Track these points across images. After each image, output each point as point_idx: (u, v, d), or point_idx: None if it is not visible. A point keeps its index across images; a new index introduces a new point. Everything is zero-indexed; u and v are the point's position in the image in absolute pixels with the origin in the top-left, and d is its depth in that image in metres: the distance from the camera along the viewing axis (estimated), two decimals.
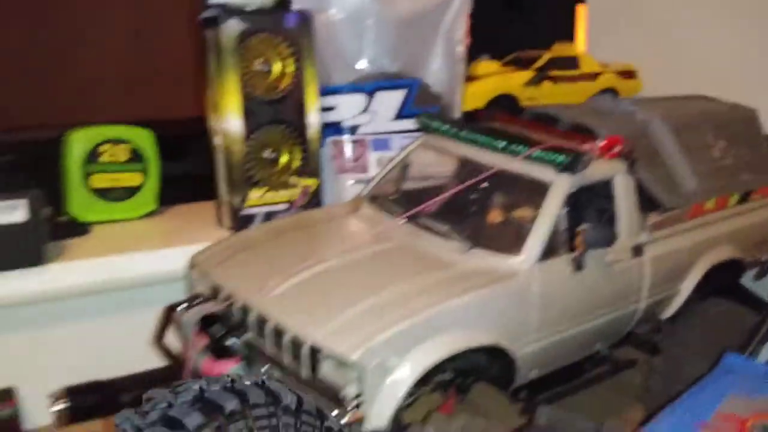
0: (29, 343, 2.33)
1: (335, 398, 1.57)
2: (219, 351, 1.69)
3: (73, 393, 2.33)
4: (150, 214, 2.64)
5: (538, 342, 1.82)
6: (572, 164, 1.86)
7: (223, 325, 1.69)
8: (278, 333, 1.66)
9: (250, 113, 2.38)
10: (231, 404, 0.62)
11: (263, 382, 0.65)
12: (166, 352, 1.87)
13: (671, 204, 2.11)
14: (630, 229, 2.01)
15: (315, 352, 1.59)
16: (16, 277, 2.16)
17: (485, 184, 2.01)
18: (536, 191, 1.89)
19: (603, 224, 1.93)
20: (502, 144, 1.97)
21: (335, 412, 1.53)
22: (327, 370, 1.59)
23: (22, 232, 2.12)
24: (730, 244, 2.29)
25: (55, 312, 2.36)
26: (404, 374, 1.58)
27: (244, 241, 1.98)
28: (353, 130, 2.66)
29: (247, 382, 0.67)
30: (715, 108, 2.49)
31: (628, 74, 3.83)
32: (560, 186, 1.87)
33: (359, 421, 1.55)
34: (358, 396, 1.55)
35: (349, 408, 1.54)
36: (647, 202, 2.08)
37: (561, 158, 1.87)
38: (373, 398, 1.56)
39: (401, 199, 2.10)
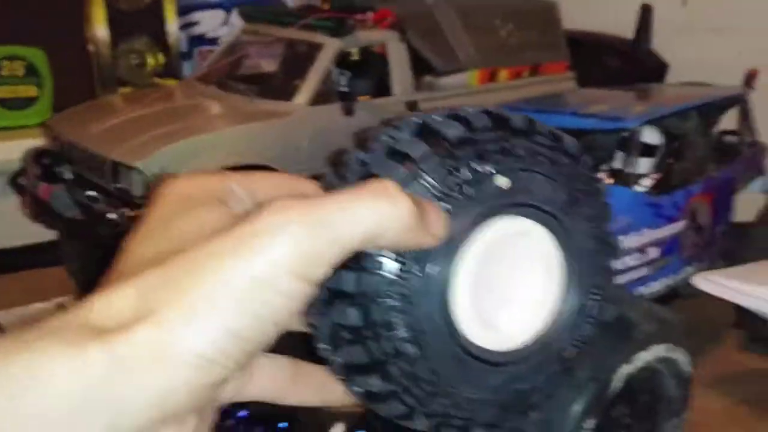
0: None
1: (131, 203, 2.03)
2: (50, 177, 2.15)
3: None
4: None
5: (310, 171, 2.26)
6: (338, 29, 2.30)
7: (51, 157, 2.16)
8: (91, 158, 2.12)
9: (115, 23, 2.86)
10: (456, 131, 0.47)
11: (488, 110, 0.49)
12: (18, 187, 2.33)
13: (444, 68, 2.54)
14: (403, 87, 2.45)
15: (115, 166, 2.05)
16: None
17: (281, 53, 2.46)
18: (314, 52, 2.33)
19: (374, 80, 2.37)
20: (292, 19, 2.42)
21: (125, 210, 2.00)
22: (125, 180, 2.05)
23: None
24: None
25: None
26: None
27: (84, 107, 2.45)
28: (214, 41, 3.12)
29: (471, 110, 0.49)
30: (511, 1, 2.92)
31: None
32: (329, 46, 2.31)
33: None
34: (144, 197, 2.01)
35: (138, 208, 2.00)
36: (427, 67, 2.52)
37: (329, 24, 2.31)
38: None
39: (220, 75, 2.55)
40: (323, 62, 2.30)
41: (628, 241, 1.80)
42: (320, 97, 2.29)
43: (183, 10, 3.03)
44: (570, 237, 0.50)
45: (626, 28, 3.16)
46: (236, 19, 3.14)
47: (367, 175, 0.43)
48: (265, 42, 2.58)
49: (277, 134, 2.20)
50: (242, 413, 1.66)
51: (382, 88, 2.44)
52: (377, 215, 0.36)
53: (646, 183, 1.95)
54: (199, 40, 3.12)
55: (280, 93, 2.31)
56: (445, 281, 0.43)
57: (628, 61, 3.10)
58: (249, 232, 0.34)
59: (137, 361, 0.31)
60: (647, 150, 1.96)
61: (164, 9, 2.93)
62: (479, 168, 0.45)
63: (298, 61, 2.41)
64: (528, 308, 0.48)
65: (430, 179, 0.43)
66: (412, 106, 2.47)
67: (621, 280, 1.80)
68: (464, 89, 2.63)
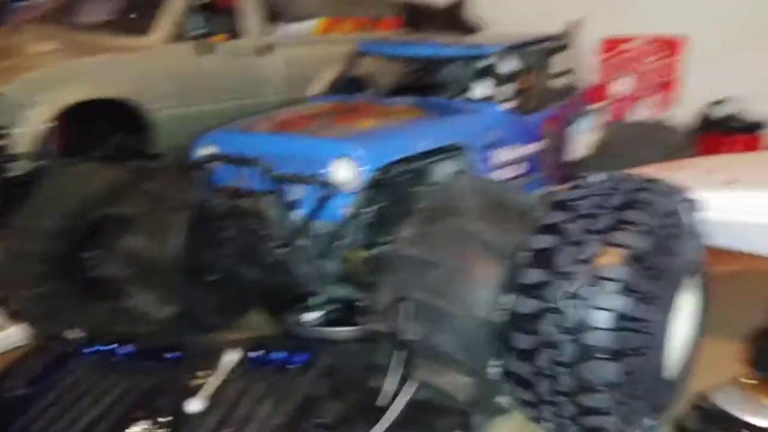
0: None
1: None
2: None
3: None
4: None
5: (173, 110, 2.21)
6: None
7: None
8: None
9: None
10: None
11: None
12: None
13: (293, 15, 2.61)
14: (254, 31, 2.47)
15: None
16: None
17: None
18: None
19: (225, 20, 2.37)
20: None
21: None
22: None
23: None
24: None
25: None
26: (44, 108, 1.91)
27: None
28: None
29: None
30: None
31: None
32: None
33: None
34: (5, 127, 1.86)
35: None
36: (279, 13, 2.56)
37: None
38: (21, 125, 1.88)
39: (62, 14, 2.40)
40: (177, 1, 2.26)
41: (502, 154, 1.94)
42: (175, 37, 2.26)
43: None
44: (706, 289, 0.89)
45: None
46: None
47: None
48: None
49: (133, 68, 2.15)
50: (126, 350, 1.58)
51: (236, 32, 2.45)
52: None
53: (505, 107, 2.11)
54: None
55: (135, 29, 2.24)
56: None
57: (450, 22, 3.40)
58: None
59: None
60: (502, 79, 2.13)
61: None
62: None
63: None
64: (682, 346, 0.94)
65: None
66: (262, 50, 2.50)
67: None
68: (311, 37, 2.70)
